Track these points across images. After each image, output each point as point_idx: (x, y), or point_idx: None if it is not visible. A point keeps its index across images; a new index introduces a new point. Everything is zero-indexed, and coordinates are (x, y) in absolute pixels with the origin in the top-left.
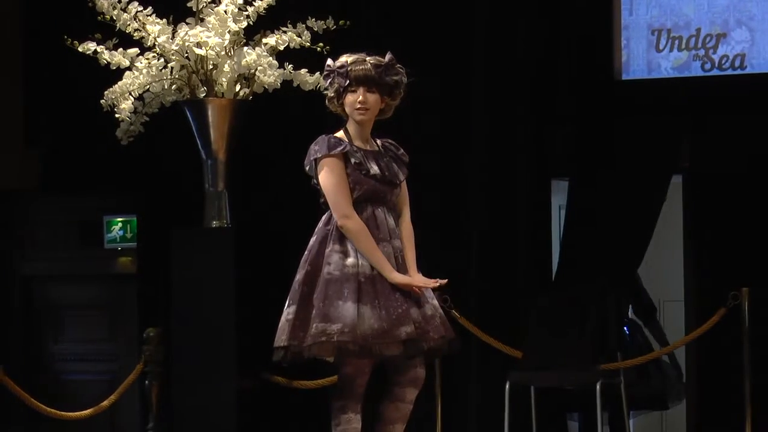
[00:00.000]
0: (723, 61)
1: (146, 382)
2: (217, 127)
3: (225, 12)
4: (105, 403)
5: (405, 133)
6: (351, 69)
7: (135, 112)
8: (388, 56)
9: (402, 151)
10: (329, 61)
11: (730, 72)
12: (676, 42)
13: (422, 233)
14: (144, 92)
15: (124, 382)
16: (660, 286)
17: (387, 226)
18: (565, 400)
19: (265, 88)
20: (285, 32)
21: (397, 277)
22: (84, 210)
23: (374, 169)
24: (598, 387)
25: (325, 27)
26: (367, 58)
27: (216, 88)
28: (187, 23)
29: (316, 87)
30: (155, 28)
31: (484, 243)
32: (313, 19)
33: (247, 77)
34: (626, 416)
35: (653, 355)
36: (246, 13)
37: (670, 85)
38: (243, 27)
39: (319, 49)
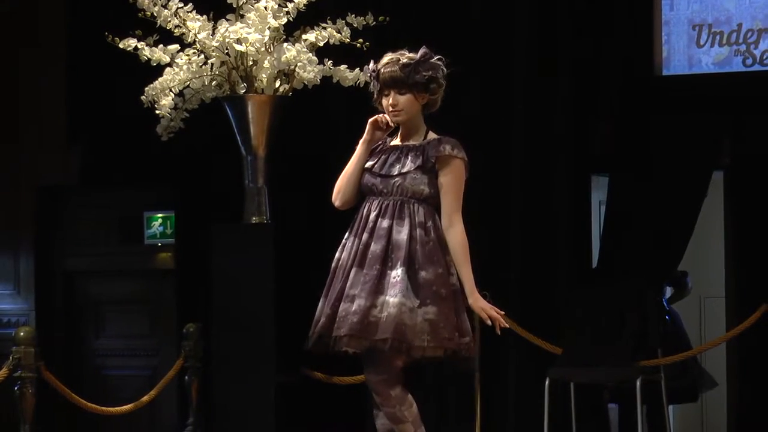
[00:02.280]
0: (764, 57)
1: (186, 377)
2: (257, 123)
3: (265, 8)
4: (145, 398)
5: (445, 129)
6: (381, 72)
7: (175, 108)
8: (421, 51)
9: (444, 146)
10: (371, 64)
11: None
12: (717, 37)
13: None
14: (184, 88)
15: (163, 377)
16: (701, 282)
17: (365, 219)
18: (604, 396)
19: (304, 84)
20: (324, 28)
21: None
22: (124, 206)
23: (370, 162)
24: (638, 383)
25: (365, 23)
26: (400, 58)
27: (256, 84)
28: (227, 19)
29: (355, 83)
30: (195, 25)
31: (524, 239)
32: (353, 15)
33: (286, 73)
34: (666, 411)
35: (694, 352)
36: (286, 9)
37: (711, 81)
38: (283, 23)
39: (358, 45)
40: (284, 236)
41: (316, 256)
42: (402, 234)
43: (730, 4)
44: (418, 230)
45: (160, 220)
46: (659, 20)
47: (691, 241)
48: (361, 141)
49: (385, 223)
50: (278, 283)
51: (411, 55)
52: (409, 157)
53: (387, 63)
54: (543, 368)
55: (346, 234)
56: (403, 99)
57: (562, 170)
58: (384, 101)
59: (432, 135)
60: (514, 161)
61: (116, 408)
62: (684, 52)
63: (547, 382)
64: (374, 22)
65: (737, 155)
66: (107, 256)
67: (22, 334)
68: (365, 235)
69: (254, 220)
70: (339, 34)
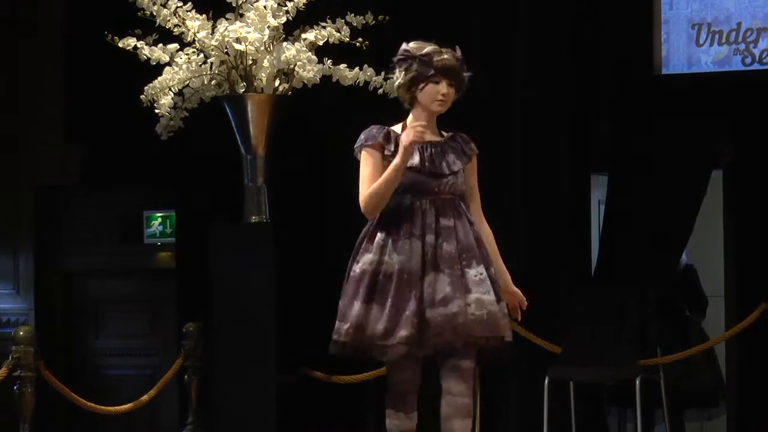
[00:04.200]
0: (764, 56)
1: (186, 376)
2: (256, 122)
3: (264, 7)
4: (144, 397)
5: (446, 129)
6: (436, 59)
7: (175, 107)
8: (459, 51)
9: (471, 145)
10: (406, 46)
11: None
12: (717, 36)
13: None
14: (184, 88)
15: (163, 376)
16: (700, 281)
17: (423, 220)
18: (604, 395)
19: (304, 83)
20: (324, 27)
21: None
22: (124, 205)
23: (413, 160)
24: (637, 383)
25: (365, 22)
26: (455, 51)
27: (255, 84)
28: (226, 19)
29: (355, 82)
30: (195, 24)
31: (524, 239)
32: (352, 15)
33: (286, 72)
34: (665, 411)
35: (692, 351)
36: (285, 8)
37: (711, 80)
38: (282, 22)
39: (358, 44)
40: (284, 235)
41: (316, 255)
42: (467, 232)
43: (730, 3)
44: (473, 228)
45: (159, 220)
46: (659, 19)
47: (691, 240)
48: (396, 166)
49: (448, 222)
50: (278, 283)
51: (451, 50)
52: (451, 155)
53: (439, 51)
54: (543, 367)
55: (383, 235)
56: (452, 91)
57: (562, 169)
58: (432, 87)
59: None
60: (515, 160)
61: (116, 407)
62: (683, 51)
63: (546, 381)
64: (374, 22)
65: (736, 154)
66: (107, 255)
67: (21, 333)
68: (430, 236)
69: (254, 219)
70: (338, 34)
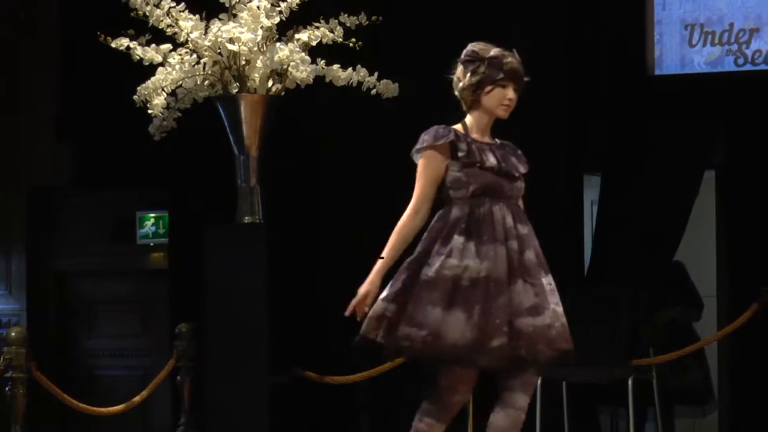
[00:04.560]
0: (756, 56)
1: (178, 377)
2: (249, 122)
3: (258, 8)
4: (137, 398)
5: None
6: (505, 62)
7: (168, 107)
8: (517, 55)
9: (519, 151)
10: (474, 47)
11: (763, 67)
12: (709, 37)
13: None
14: (177, 88)
15: (156, 377)
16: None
17: (503, 225)
18: (598, 395)
19: (297, 83)
20: (317, 28)
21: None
22: (117, 206)
23: (490, 160)
24: (630, 382)
25: (358, 23)
26: (507, 52)
27: (248, 84)
28: (219, 19)
29: (348, 82)
30: (188, 24)
31: None
32: (346, 15)
33: (279, 73)
34: (657, 409)
35: (685, 351)
36: (279, 8)
37: (703, 80)
38: (276, 23)
39: (351, 44)
40: (277, 236)
41: (309, 256)
42: (535, 239)
43: (722, 3)
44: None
45: (152, 220)
46: (651, 20)
47: (683, 240)
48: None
49: (524, 229)
50: (271, 283)
51: (513, 53)
52: (513, 158)
53: (507, 55)
54: None
55: (462, 239)
56: (516, 96)
57: (557, 170)
58: (499, 91)
59: None
60: None
61: (108, 408)
62: (676, 51)
63: (539, 381)
64: (367, 22)
65: (729, 154)
66: (99, 256)
67: (13, 334)
68: (512, 242)
69: (247, 219)
70: (332, 34)
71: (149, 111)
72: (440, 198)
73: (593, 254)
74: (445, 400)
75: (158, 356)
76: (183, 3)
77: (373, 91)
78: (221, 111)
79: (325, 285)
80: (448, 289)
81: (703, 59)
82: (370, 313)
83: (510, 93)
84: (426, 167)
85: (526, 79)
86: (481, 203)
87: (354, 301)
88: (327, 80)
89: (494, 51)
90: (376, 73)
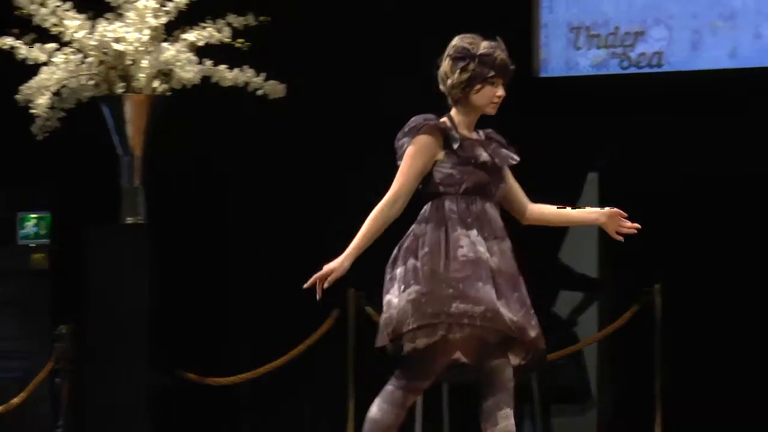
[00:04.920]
0: (640, 59)
1: (56, 379)
2: (134, 122)
3: (144, 7)
4: (15, 400)
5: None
6: (495, 59)
7: (52, 107)
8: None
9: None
10: (462, 42)
11: (647, 70)
12: (595, 40)
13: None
14: (61, 88)
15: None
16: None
17: (497, 223)
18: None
19: (184, 84)
20: (204, 28)
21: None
22: None
23: (483, 156)
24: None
25: (246, 23)
26: (496, 44)
27: (134, 84)
28: (106, 18)
29: (235, 83)
30: (74, 23)
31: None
32: (234, 16)
33: (165, 73)
34: (536, 410)
35: (566, 351)
36: (166, 8)
37: (588, 83)
38: (162, 22)
39: (238, 45)
40: (160, 237)
41: (192, 257)
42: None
43: (608, 6)
44: None
45: (34, 221)
46: (537, 23)
47: (565, 243)
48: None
49: (503, 231)
50: (153, 285)
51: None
52: (503, 150)
53: (496, 49)
54: None
55: (460, 228)
56: (504, 93)
57: None
58: (489, 89)
59: None
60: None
61: None
62: (562, 54)
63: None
64: (255, 23)
65: (612, 157)
66: None
67: None
68: (507, 242)
69: (130, 220)
70: (219, 34)
71: (32, 111)
72: (425, 192)
73: None
74: (413, 388)
75: (38, 358)
76: (69, 2)
77: (259, 92)
78: (105, 111)
79: (215, 287)
80: (488, 271)
81: (588, 62)
82: (398, 309)
83: (500, 90)
84: (416, 155)
85: (512, 68)
86: (472, 201)
87: (317, 274)
88: (213, 80)
89: (484, 46)
90: (262, 74)
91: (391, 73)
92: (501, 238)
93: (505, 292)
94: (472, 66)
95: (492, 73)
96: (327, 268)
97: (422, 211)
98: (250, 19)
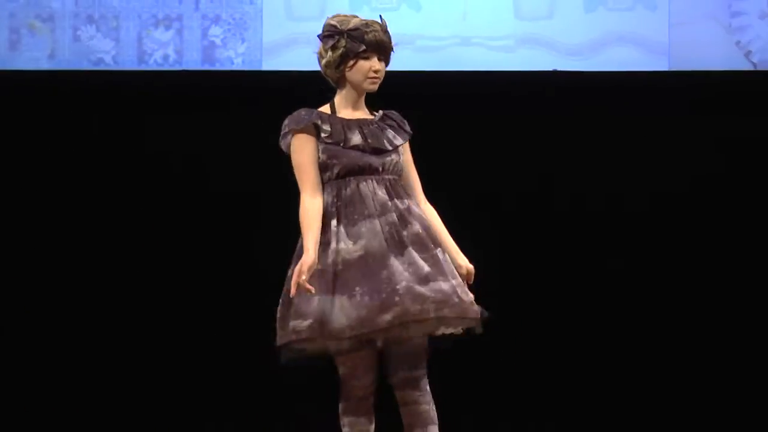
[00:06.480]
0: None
1: None
2: None
3: None
4: None
5: None
6: (366, 33)
7: None
8: (383, 21)
9: (406, 123)
10: (331, 20)
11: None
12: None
13: None
14: None
15: None
16: None
17: (375, 200)
18: None
19: None
20: None
21: (307, 260)
22: None
23: (355, 138)
24: None
25: None
26: (383, 24)
27: None
28: None
29: None
30: None
31: None
32: None
33: None
34: None
35: None
36: None
37: None
38: None
39: None
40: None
41: None
42: (420, 214)
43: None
44: (420, 209)
45: None
46: None
47: None
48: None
49: (403, 203)
50: None
51: (377, 21)
52: (390, 132)
53: (366, 24)
54: None
55: (335, 222)
56: (383, 67)
57: None
58: (363, 64)
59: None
60: None
61: None
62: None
63: None
64: None
65: None
66: None
67: None
68: (391, 215)
69: None
70: None
71: None
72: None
73: None
74: (353, 393)
75: None
76: None
77: None
78: None
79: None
80: (329, 278)
81: None
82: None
83: (375, 64)
84: (298, 152)
85: (394, 44)
86: (347, 184)
87: (294, 278)
88: None
89: (354, 22)
90: None
91: None
92: (379, 215)
93: (352, 284)
94: (342, 42)
95: (363, 48)
96: (300, 267)
97: None
98: None
